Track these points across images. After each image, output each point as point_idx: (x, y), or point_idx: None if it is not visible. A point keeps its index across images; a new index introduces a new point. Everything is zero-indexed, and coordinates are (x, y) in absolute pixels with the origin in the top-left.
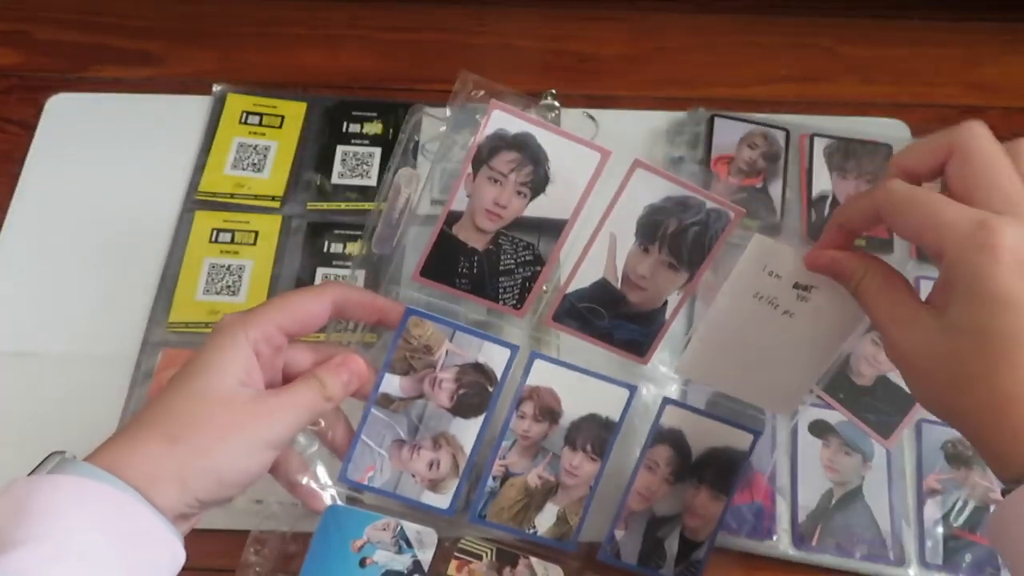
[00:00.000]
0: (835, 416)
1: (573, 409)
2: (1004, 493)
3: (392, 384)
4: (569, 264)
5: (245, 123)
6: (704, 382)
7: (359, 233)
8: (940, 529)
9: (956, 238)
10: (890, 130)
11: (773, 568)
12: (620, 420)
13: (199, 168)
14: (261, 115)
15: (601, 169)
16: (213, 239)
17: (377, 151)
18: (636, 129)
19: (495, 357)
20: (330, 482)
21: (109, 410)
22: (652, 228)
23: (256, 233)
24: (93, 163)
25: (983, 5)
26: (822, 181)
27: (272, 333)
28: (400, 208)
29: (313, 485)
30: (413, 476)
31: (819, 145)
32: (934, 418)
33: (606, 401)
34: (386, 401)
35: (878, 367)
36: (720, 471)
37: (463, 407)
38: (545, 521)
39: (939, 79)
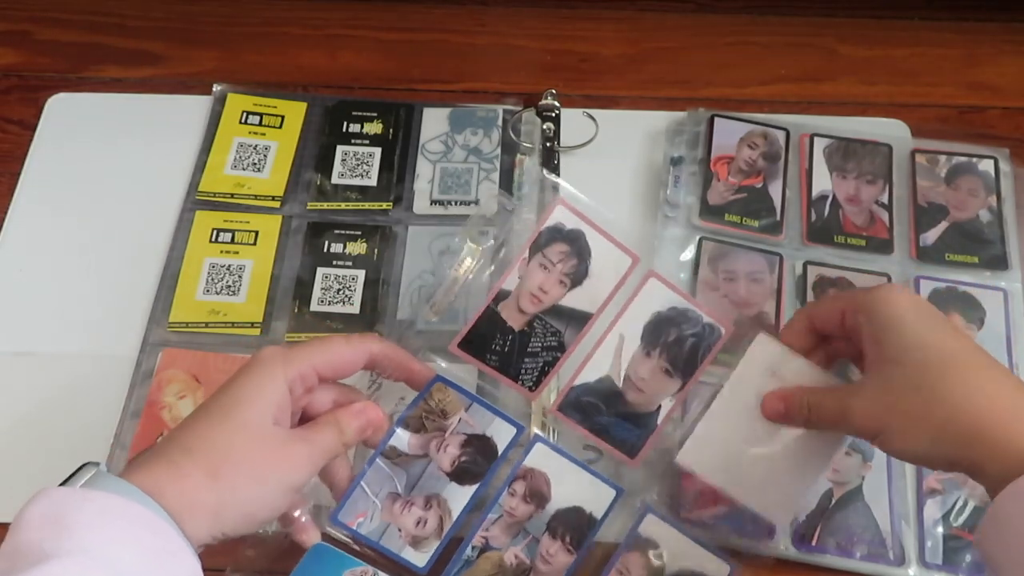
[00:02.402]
0: None
1: (561, 497)
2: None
3: (401, 439)
4: (580, 357)
5: (245, 123)
6: (703, 474)
7: (359, 233)
8: (940, 529)
9: (867, 301)
10: (890, 130)
11: (773, 568)
12: (602, 519)
13: (199, 168)
14: (261, 115)
15: (629, 273)
16: (213, 239)
17: (377, 151)
18: (636, 129)
19: (501, 433)
20: (321, 521)
21: (109, 410)
22: (655, 334)
23: (256, 233)
24: (93, 163)
25: (983, 5)
26: (822, 181)
27: (308, 373)
28: (461, 279)
29: (305, 520)
30: (399, 530)
31: (819, 145)
32: None
33: (593, 497)
34: (393, 453)
35: None
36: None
37: (461, 474)
38: None
39: (939, 79)
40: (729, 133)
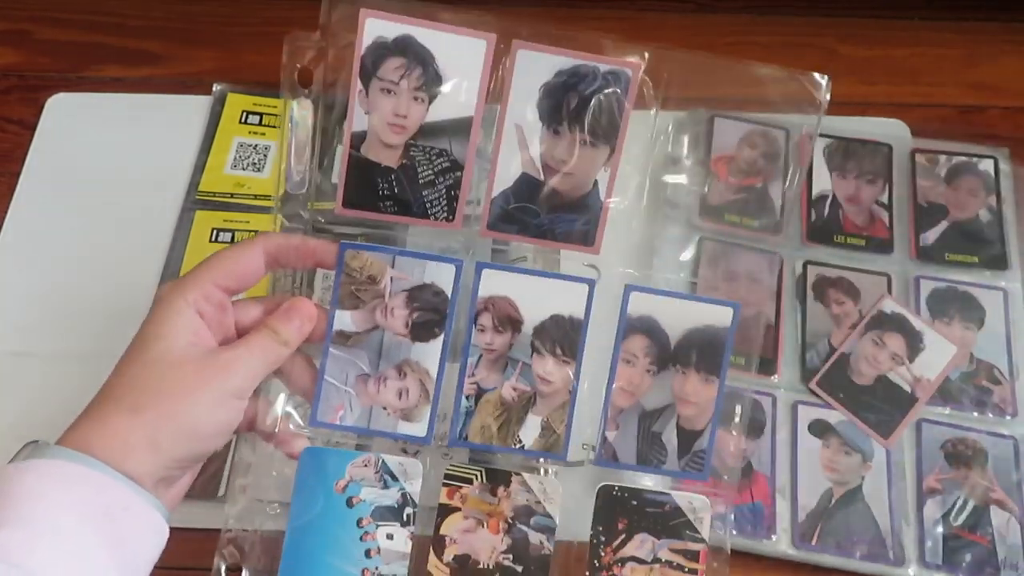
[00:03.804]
0: (835, 416)
1: (533, 314)
2: None
3: (344, 320)
4: (485, 168)
5: (245, 123)
6: None
7: (359, 232)
8: (940, 529)
9: None
10: (890, 130)
11: (773, 567)
12: (585, 316)
13: (199, 168)
14: (261, 115)
15: (491, 54)
16: (213, 239)
17: None
18: (636, 129)
19: (441, 275)
20: (304, 426)
21: None
22: (554, 108)
23: (256, 233)
24: (93, 163)
25: (983, 5)
26: (822, 181)
27: (210, 291)
28: (303, 142)
29: (291, 428)
30: (384, 409)
31: (819, 145)
32: (934, 418)
33: (566, 300)
34: (342, 338)
35: (878, 367)
36: (704, 352)
37: (420, 331)
38: (529, 434)
39: (939, 79)
40: (729, 133)
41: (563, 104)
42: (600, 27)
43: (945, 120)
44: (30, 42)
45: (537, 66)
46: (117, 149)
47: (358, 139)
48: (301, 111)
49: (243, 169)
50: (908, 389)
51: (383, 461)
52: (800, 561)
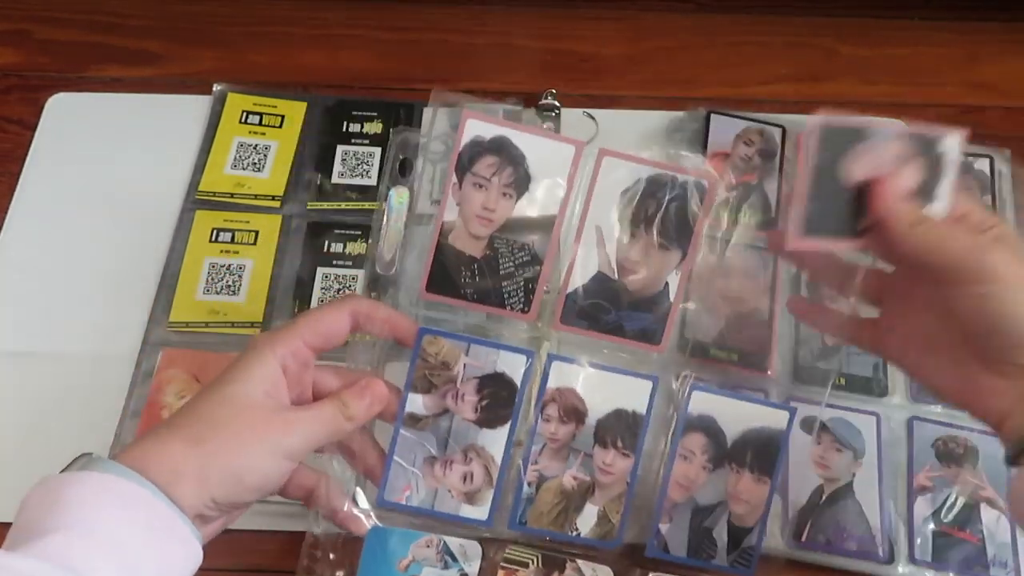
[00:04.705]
0: (826, 413)
1: (598, 407)
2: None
3: (416, 403)
4: (565, 263)
5: (245, 123)
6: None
7: (359, 233)
8: (930, 526)
9: None
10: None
11: (762, 564)
12: (647, 412)
13: (199, 168)
14: (261, 115)
15: (577, 160)
16: (213, 239)
17: (377, 151)
18: (636, 129)
19: (513, 365)
20: (369, 507)
21: (109, 410)
22: (634, 213)
23: (256, 233)
24: (93, 163)
25: (983, 5)
26: None
27: (298, 348)
28: (397, 227)
29: (354, 511)
30: (449, 491)
31: None
32: (926, 415)
33: (630, 395)
34: (413, 420)
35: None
36: (759, 453)
37: (488, 418)
38: (586, 522)
39: (939, 79)
40: (725, 130)
41: (642, 209)
42: (600, 27)
43: (945, 120)
44: (30, 42)
45: (620, 173)
46: (117, 149)
47: (447, 228)
48: (399, 199)
49: (243, 169)
50: None
51: (444, 543)
52: (790, 558)
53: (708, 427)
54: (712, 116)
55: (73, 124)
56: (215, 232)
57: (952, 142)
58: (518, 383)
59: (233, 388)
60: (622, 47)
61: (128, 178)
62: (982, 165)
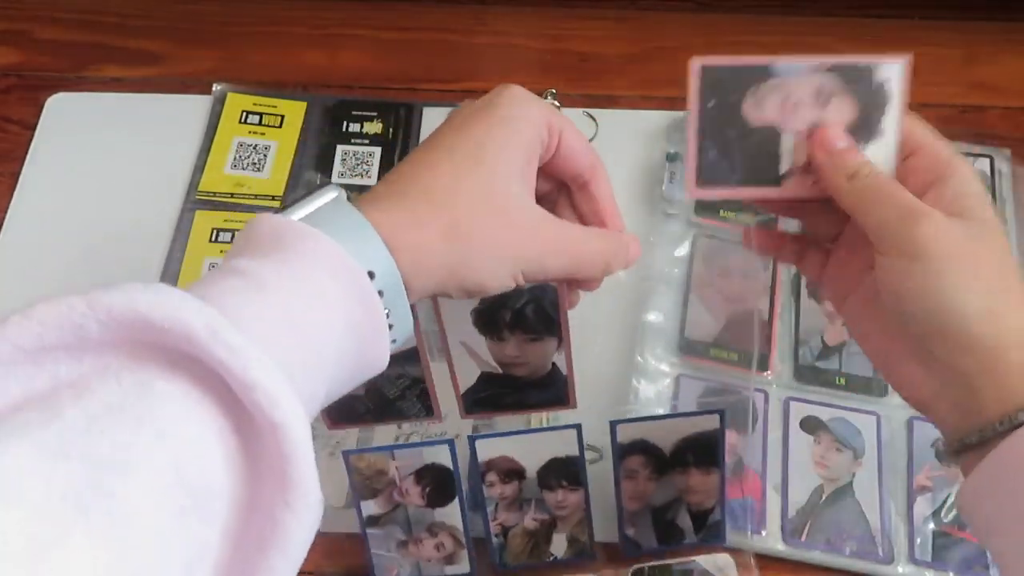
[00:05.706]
0: (826, 413)
1: (533, 462)
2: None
3: (370, 507)
4: (445, 375)
5: (245, 123)
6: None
7: None
8: (930, 526)
9: None
10: None
11: (762, 563)
12: (580, 454)
13: (199, 168)
14: (261, 115)
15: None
16: (213, 239)
17: (377, 151)
18: (636, 128)
19: (439, 455)
20: None
21: None
22: (491, 325)
23: None
24: (93, 163)
25: (983, 5)
26: None
27: (554, 126)
28: None
29: None
30: (429, 560)
31: None
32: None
33: (560, 444)
34: (373, 521)
35: None
36: (699, 452)
37: (436, 499)
38: (560, 547)
39: (939, 79)
40: None
41: (498, 320)
42: (600, 27)
43: (945, 120)
44: (30, 42)
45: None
46: (117, 149)
47: None
48: None
49: (243, 169)
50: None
51: None
52: (789, 558)
53: (643, 448)
54: None
55: (73, 124)
56: (215, 232)
57: (892, 69)
58: (451, 467)
59: (494, 160)
60: (622, 47)
61: (128, 178)
62: (982, 165)
